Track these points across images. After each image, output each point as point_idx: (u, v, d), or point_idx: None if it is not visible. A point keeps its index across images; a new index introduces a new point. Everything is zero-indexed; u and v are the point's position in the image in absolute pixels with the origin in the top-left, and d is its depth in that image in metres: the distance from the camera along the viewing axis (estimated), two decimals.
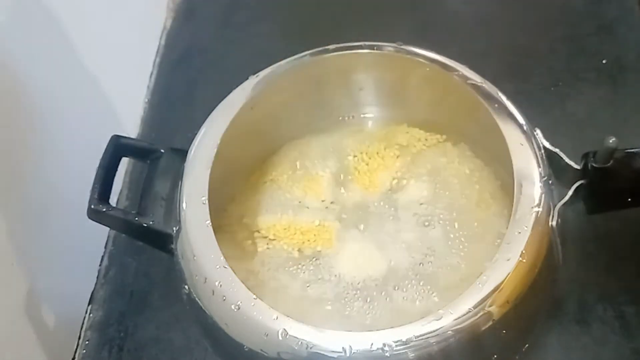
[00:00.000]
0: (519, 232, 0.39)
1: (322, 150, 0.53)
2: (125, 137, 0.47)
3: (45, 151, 0.55)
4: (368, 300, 0.45)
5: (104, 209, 0.44)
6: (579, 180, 0.43)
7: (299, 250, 0.48)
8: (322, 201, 0.51)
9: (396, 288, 0.45)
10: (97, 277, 0.60)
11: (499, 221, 0.47)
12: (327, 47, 0.50)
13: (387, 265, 0.47)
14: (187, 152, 0.46)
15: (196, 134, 0.47)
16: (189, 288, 0.41)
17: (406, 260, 0.47)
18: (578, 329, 0.50)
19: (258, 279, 0.47)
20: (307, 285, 0.46)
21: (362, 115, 0.54)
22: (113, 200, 0.48)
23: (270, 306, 0.37)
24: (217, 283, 0.39)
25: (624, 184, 0.43)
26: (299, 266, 0.47)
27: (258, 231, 0.49)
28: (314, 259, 0.48)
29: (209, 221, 0.41)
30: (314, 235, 0.49)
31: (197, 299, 0.40)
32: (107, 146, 0.46)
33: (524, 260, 0.38)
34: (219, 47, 0.76)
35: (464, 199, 0.49)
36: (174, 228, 0.43)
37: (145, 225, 0.44)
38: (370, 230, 0.49)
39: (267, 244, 0.49)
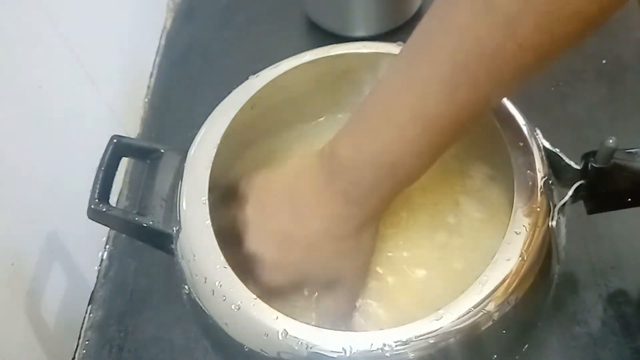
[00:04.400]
0: (519, 232, 0.39)
1: None
2: (125, 137, 0.47)
3: (45, 151, 0.55)
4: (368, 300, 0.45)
5: (104, 209, 0.44)
6: (579, 180, 0.42)
7: None
8: None
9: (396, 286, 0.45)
10: (97, 277, 0.60)
11: (498, 221, 0.47)
12: (327, 47, 0.50)
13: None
14: (187, 152, 0.46)
15: (196, 134, 0.47)
16: (189, 288, 0.41)
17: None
18: (578, 329, 0.50)
19: None
20: None
21: None
22: (113, 200, 0.48)
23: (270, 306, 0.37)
24: (217, 283, 0.39)
25: (624, 183, 0.43)
26: None
27: None
28: None
29: (209, 221, 0.41)
30: None
31: (197, 299, 0.40)
32: (107, 146, 0.46)
33: (524, 260, 0.38)
34: (219, 47, 0.76)
35: (464, 200, 0.49)
36: (174, 228, 0.43)
37: (145, 225, 0.44)
38: None
39: None
